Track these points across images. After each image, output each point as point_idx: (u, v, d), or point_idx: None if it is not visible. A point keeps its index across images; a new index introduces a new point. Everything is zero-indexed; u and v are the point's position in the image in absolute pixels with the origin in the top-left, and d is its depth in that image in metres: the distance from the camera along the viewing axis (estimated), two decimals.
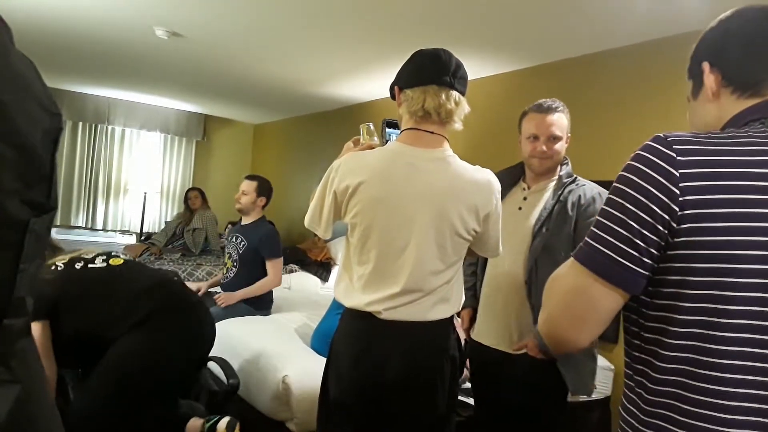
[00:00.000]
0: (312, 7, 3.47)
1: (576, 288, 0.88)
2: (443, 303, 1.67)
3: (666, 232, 0.81)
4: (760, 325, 0.78)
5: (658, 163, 0.82)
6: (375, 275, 1.65)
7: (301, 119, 7.67)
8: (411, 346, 1.63)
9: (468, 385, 2.76)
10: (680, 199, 0.80)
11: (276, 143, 8.46)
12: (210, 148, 8.75)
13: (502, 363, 2.07)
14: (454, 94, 1.65)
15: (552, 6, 3.06)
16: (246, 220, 3.82)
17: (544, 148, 2.05)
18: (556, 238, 1.99)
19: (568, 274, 0.90)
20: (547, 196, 2.11)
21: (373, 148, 1.73)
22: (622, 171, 0.86)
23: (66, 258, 2.19)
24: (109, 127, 7.99)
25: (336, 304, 2.93)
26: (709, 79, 0.96)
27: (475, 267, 2.31)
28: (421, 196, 1.64)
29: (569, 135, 2.11)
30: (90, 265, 2.19)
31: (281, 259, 3.71)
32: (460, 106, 1.67)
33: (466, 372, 2.74)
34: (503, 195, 2.09)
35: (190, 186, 7.75)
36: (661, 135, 0.86)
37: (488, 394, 2.19)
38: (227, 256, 3.79)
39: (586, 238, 0.89)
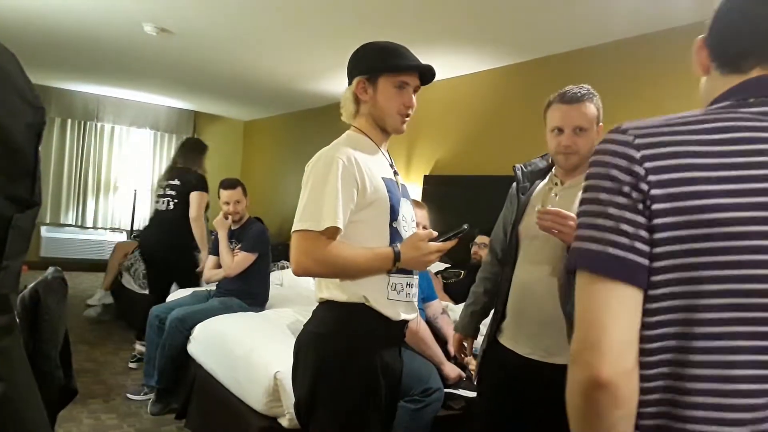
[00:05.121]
0: (301, 2, 3.46)
1: (584, 298, 0.80)
2: (318, 289, 1.73)
3: (647, 212, 0.78)
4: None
5: (617, 150, 0.81)
6: None
7: (291, 116, 7.64)
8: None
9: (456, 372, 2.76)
10: (647, 178, 0.78)
11: (266, 140, 8.43)
12: None
13: (530, 372, 1.86)
14: None
15: (541, 1, 3.06)
16: (237, 225, 3.77)
17: (568, 142, 1.84)
18: None
19: (576, 292, 0.83)
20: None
21: None
22: (587, 170, 0.85)
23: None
24: (99, 124, 7.93)
25: None
26: (700, 54, 0.94)
27: (489, 284, 2.10)
28: None
29: (601, 124, 1.89)
30: (160, 188, 3.08)
31: (252, 256, 3.62)
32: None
33: (455, 369, 2.74)
34: (526, 190, 1.99)
35: None
36: (616, 126, 0.85)
37: (506, 402, 1.96)
38: None
39: (572, 245, 0.85)
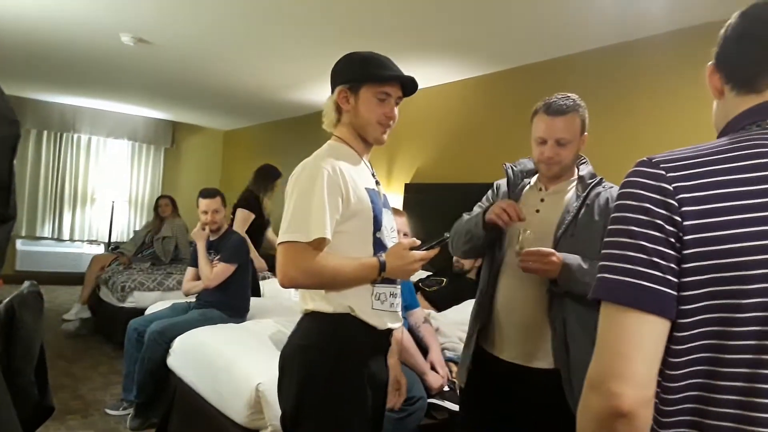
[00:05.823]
0: (279, 12, 3.46)
1: (611, 328, 0.81)
2: (303, 300, 1.75)
3: (678, 244, 0.80)
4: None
5: (648, 183, 0.83)
6: None
7: (271, 125, 7.62)
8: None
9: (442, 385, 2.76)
10: (680, 210, 0.80)
11: (246, 149, 8.38)
12: (179, 155, 8.63)
13: (513, 377, 1.88)
14: None
15: (520, 10, 3.10)
16: (215, 235, 3.74)
17: (551, 153, 1.87)
18: (587, 245, 1.75)
19: (599, 321, 0.84)
20: (568, 197, 1.91)
21: None
22: (616, 202, 0.86)
23: None
24: (75, 136, 7.83)
25: None
26: (713, 79, 0.97)
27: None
28: None
29: (586, 134, 1.91)
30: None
31: (232, 267, 3.59)
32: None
33: (438, 378, 2.73)
34: (516, 187, 2.01)
35: (159, 194, 7.64)
36: (645, 158, 0.86)
37: (490, 407, 1.97)
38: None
39: (599, 275, 0.85)
